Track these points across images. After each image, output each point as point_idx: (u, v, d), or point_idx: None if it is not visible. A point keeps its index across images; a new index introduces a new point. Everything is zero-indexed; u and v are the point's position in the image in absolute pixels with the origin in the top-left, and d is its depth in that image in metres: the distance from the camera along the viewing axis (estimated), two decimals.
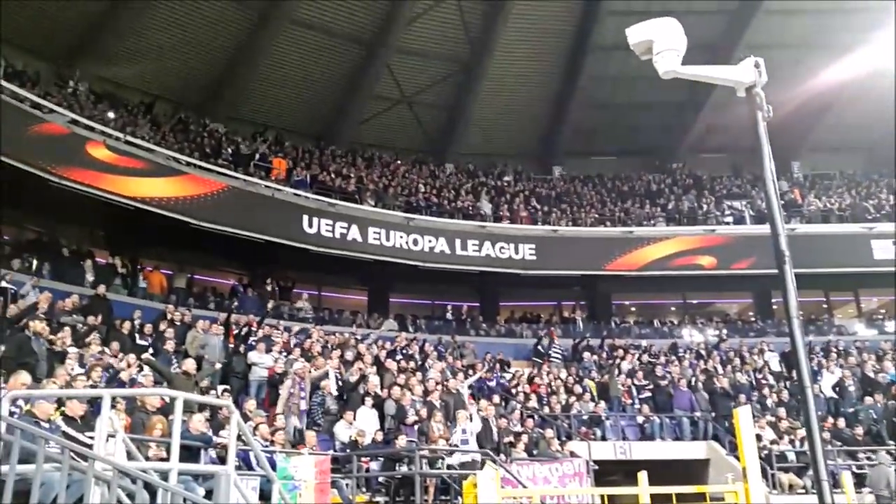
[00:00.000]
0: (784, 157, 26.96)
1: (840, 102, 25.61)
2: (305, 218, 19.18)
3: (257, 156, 20.80)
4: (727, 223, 23.20)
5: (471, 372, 16.19)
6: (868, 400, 16.06)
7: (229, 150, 20.52)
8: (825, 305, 24.65)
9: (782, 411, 15.42)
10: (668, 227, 23.08)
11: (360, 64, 24.09)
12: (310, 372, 12.57)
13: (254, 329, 14.39)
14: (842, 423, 15.12)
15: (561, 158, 27.87)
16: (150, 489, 5.19)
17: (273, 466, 8.70)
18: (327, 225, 19.43)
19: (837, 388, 16.99)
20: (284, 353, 13.40)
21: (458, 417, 12.19)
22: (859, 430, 14.75)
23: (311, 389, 12.39)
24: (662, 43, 4.80)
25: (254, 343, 13.39)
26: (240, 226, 18.05)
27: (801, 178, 27.21)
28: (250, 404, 11.05)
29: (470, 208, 22.68)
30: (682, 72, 4.81)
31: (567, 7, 23.57)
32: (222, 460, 7.54)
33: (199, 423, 8.29)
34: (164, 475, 5.43)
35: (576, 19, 23.93)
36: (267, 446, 9.47)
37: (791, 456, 13.73)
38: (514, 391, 16.08)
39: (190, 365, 10.94)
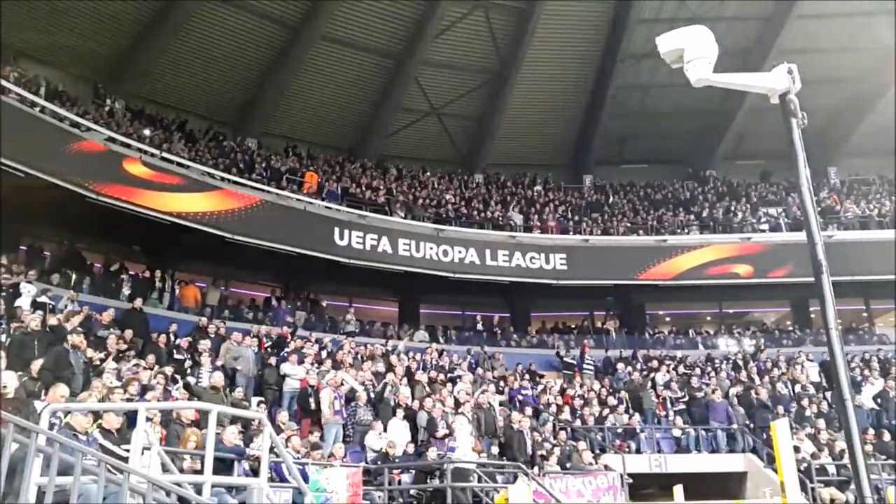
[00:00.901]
0: (821, 161, 26.42)
1: (879, 105, 25.03)
2: (337, 230, 19.35)
3: (289, 170, 21.11)
4: (763, 231, 22.76)
5: (502, 383, 16.08)
6: None
7: (262, 165, 20.86)
8: (865, 314, 23.97)
9: (822, 423, 14.99)
10: (702, 235, 22.73)
11: (388, 77, 24.33)
12: (341, 384, 12.61)
13: (287, 340, 14.54)
14: (886, 436, 14.66)
15: (591, 167, 27.68)
16: (185, 501, 5.26)
17: (305, 478, 8.74)
18: (358, 237, 19.58)
19: (879, 400, 16.49)
20: (316, 365, 13.48)
21: (453, 426, 11.92)
22: None
23: (346, 401, 12.45)
24: (693, 51, 4.73)
25: (286, 355, 13.50)
26: (273, 239, 18.30)
27: (839, 183, 26.57)
28: (283, 416, 11.12)
29: (500, 218, 22.64)
30: (714, 80, 4.74)
31: (596, 15, 23.50)
32: (255, 472, 7.60)
33: (232, 435, 8.38)
34: (199, 488, 5.49)
35: (605, 27, 23.83)
36: (299, 458, 9.51)
37: (831, 469, 13.35)
38: (546, 403, 15.93)
39: (218, 378, 11.07)
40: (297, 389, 12.80)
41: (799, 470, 12.63)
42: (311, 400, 12.20)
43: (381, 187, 22.44)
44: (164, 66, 21.98)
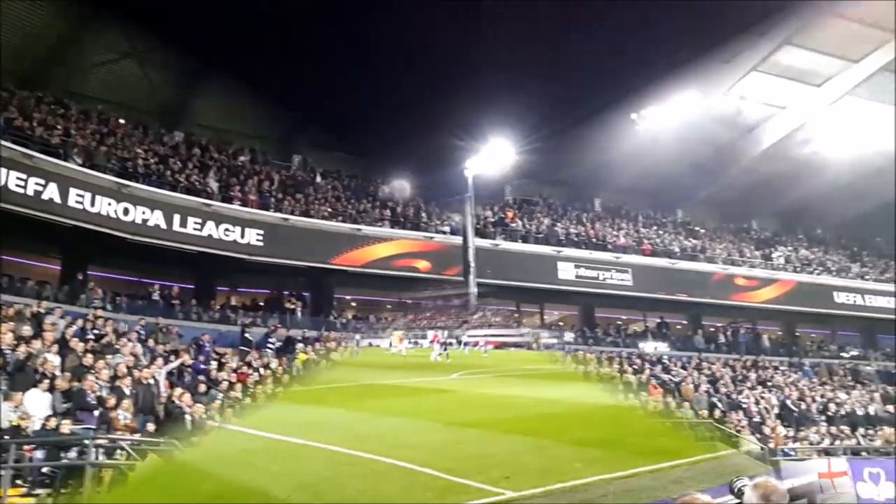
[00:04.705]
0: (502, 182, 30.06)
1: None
2: None
3: None
4: (444, 232, 25.00)
5: (172, 358, 15.17)
6: None
7: None
8: (517, 314, 27.79)
9: None
10: (393, 229, 24.15)
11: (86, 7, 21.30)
12: None
13: None
14: None
15: (305, 148, 27.58)
16: None
17: None
18: (19, 179, 16.90)
19: None
20: None
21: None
22: None
23: None
24: None
25: None
26: None
27: (512, 201, 30.38)
28: None
29: (196, 184, 21.32)
30: None
31: None
32: None
33: None
34: None
35: None
36: None
37: None
38: (219, 380, 15.42)
39: None
40: None
41: None
42: None
43: (59, 126, 19.57)
44: None
